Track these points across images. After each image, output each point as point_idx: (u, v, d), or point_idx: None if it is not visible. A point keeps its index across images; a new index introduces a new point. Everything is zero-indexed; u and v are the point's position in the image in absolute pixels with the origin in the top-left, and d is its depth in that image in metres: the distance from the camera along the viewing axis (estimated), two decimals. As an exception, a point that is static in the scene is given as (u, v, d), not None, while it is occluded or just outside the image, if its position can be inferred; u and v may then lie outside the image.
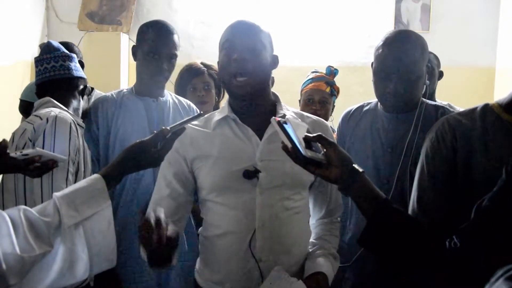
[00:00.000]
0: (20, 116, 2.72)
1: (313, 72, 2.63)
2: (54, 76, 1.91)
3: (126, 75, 4.16)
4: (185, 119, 1.38)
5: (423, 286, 1.22)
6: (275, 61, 1.57)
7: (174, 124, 1.35)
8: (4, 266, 1.04)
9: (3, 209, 1.22)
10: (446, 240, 1.07)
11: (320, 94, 2.51)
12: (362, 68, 4.08)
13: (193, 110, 2.26)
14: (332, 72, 2.59)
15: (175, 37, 2.14)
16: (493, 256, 0.96)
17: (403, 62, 1.69)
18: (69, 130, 1.78)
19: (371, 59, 1.81)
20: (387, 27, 4.15)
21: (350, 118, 1.94)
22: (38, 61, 1.94)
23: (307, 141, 1.20)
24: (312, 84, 2.54)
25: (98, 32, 4.17)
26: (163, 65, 2.09)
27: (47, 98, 1.90)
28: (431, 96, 2.55)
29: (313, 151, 1.19)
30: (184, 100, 2.30)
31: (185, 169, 1.54)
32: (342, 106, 2.25)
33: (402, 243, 1.16)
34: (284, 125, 1.18)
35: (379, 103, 1.85)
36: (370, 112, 1.89)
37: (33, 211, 1.15)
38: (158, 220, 1.16)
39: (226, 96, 1.64)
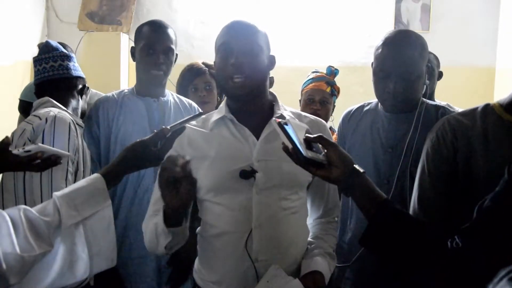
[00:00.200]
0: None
1: (313, 72, 2.63)
2: (53, 76, 1.91)
3: (126, 75, 4.16)
4: (185, 118, 1.38)
5: (423, 286, 1.22)
6: (272, 62, 1.56)
7: (174, 123, 1.35)
8: (4, 265, 1.04)
9: (3, 208, 1.21)
10: (447, 240, 1.07)
11: (320, 94, 2.51)
12: (362, 68, 4.08)
13: (195, 109, 2.25)
14: (332, 72, 2.59)
15: (170, 31, 2.15)
16: (495, 256, 0.96)
17: (403, 61, 1.69)
18: (68, 129, 1.78)
19: (371, 59, 1.81)
20: (387, 27, 4.15)
21: (350, 118, 1.94)
22: (36, 61, 1.94)
23: (308, 141, 1.20)
24: (313, 84, 2.54)
25: (98, 32, 4.16)
26: (159, 59, 2.09)
27: (46, 98, 1.90)
28: (430, 97, 2.55)
29: (314, 151, 1.19)
30: (185, 100, 2.30)
31: None
32: (342, 106, 2.25)
33: (403, 243, 1.16)
34: (285, 126, 1.18)
35: (379, 103, 1.85)
36: (371, 112, 1.88)
37: (33, 210, 1.15)
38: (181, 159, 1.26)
39: (227, 96, 1.63)
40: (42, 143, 1.72)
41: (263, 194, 1.47)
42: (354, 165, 1.19)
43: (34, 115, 1.83)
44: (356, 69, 4.15)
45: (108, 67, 3.98)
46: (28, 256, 1.08)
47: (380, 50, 1.75)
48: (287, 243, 1.51)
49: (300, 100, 2.61)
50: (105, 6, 4.26)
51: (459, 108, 1.76)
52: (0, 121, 3.18)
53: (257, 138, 1.50)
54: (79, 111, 2.02)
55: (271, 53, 1.57)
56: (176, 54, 2.18)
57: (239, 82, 1.46)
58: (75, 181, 1.77)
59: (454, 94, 3.51)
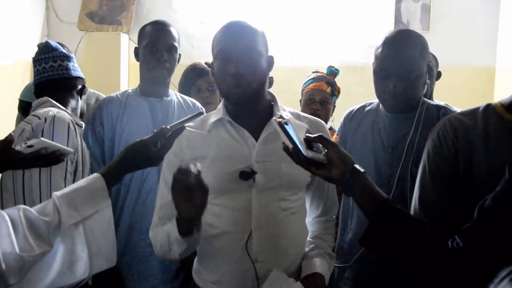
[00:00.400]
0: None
1: (314, 72, 2.63)
2: (52, 76, 1.91)
3: (126, 75, 4.16)
4: (185, 118, 1.37)
5: (423, 286, 1.21)
6: (270, 63, 1.55)
7: (174, 123, 1.35)
8: (3, 265, 1.04)
9: (2, 208, 1.22)
10: (448, 240, 1.07)
11: (321, 94, 2.51)
12: (362, 68, 4.07)
13: (198, 108, 2.25)
14: (333, 72, 2.59)
15: (173, 29, 2.15)
16: (495, 256, 0.95)
17: (403, 61, 1.68)
18: (67, 129, 1.78)
19: (371, 59, 1.80)
20: (387, 27, 4.14)
21: (352, 118, 1.94)
22: (36, 61, 1.94)
23: (308, 141, 1.20)
24: (313, 84, 2.54)
25: (98, 32, 4.16)
26: (163, 56, 2.09)
27: (45, 98, 1.89)
28: (429, 97, 2.55)
29: (314, 151, 1.18)
30: (189, 99, 2.29)
31: None
32: (342, 106, 2.24)
33: (404, 243, 1.16)
34: (285, 125, 1.18)
35: (380, 103, 1.85)
36: (372, 112, 1.88)
37: (33, 210, 1.15)
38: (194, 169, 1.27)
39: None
40: (42, 142, 1.72)
41: (262, 195, 1.47)
42: (355, 165, 1.19)
43: (33, 115, 1.83)
44: (356, 69, 4.15)
45: (108, 67, 3.98)
46: (28, 256, 1.08)
47: (380, 50, 1.74)
48: (287, 243, 1.51)
49: (300, 100, 2.60)
50: (105, 6, 4.26)
51: (458, 108, 1.76)
52: (0, 121, 3.17)
53: (256, 139, 1.50)
54: (78, 111, 2.02)
55: (270, 53, 1.55)
56: (180, 54, 2.18)
57: (238, 93, 1.46)
58: (74, 180, 1.77)
59: (454, 94, 3.50)
